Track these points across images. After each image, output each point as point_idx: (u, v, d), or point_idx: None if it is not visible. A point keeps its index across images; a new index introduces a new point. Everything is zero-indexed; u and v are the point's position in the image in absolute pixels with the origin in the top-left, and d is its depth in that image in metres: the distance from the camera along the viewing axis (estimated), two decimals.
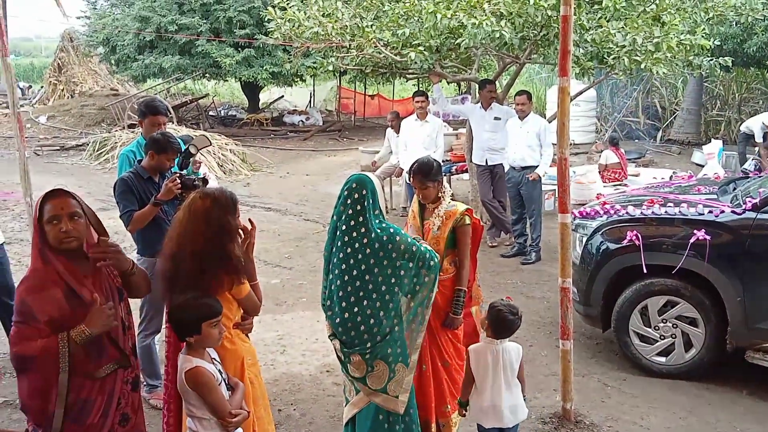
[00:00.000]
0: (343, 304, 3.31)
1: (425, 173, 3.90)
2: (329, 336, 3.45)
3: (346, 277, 3.30)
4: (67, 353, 2.67)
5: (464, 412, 3.67)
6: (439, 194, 3.96)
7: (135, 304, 3.77)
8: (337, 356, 3.46)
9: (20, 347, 2.67)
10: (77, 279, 2.76)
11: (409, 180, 4.38)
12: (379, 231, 3.28)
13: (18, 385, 2.78)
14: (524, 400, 3.62)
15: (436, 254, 3.54)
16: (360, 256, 3.27)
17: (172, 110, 14.27)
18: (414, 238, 3.54)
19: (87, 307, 2.73)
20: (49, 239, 2.75)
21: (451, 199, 4.01)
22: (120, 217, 4.25)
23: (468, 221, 3.91)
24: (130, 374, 2.98)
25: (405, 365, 3.40)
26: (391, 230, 3.32)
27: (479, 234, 4.11)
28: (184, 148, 4.37)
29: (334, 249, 3.37)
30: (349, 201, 3.30)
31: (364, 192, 3.29)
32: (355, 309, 3.29)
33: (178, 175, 4.13)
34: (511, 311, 3.53)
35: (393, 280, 3.32)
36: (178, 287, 2.98)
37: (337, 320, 3.34)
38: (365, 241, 3.27)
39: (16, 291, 2.80)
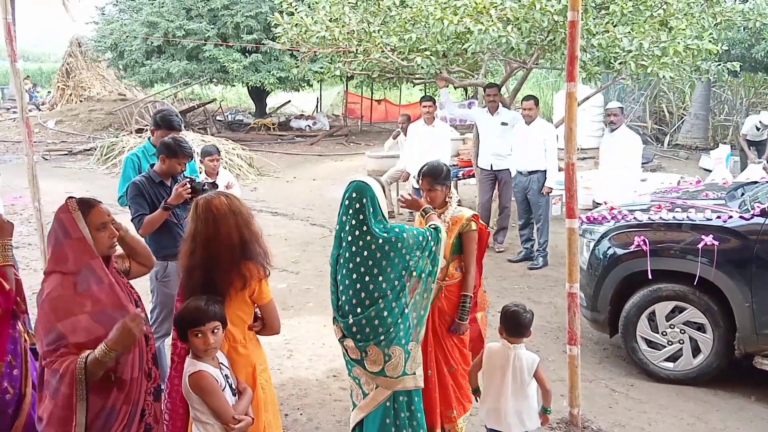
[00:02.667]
0: (359, 309, 3.33)
1: (435, 176, 3.91)
2: (339, 339, 3.46)
3: (359, 285, 3.31)
4: (83, 379, 2.60)
5: (477, 396, 3.70)
6: (446, 199, 3.96)
7: (146, 307, 3.78)
8: (350, 358, 3.45)
9: (57, 364, 2.60)
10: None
11: (418, 182, 4.39)
12: (385, 234, 3.30)
13: (44, 411, 2.68)
14: (547, 412, 3.55)
15: (439, 226, 3.57)
16: (370, 262, 3.28)
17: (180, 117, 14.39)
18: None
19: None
20: (97, 247, 2.78)
21: (458, 205, 4.02)
22: (131, 220, 4.29)
23: (474, 227, 3.91)
24: (152, 384, 2.97)
25: (416, 342, 3.45)
26: (397, 230, 3.35)
27: (485, 240, 4.12)
28: (199, 180, 4.46)
29: (341, 260, 3.38)
30: (350, 211, 3.33)
31: (364, 201, 3.31)
32: (371, 309, 3.31)
33: (188, 180, 4.17)
34: (516, 305, 3.57)
35: (404, 273, 3.35)
36: (192, 293, 3.00)
37: (351, 321, 3.35)
38: (373, 247, 3.28)
39: (40, 321, 2.70)
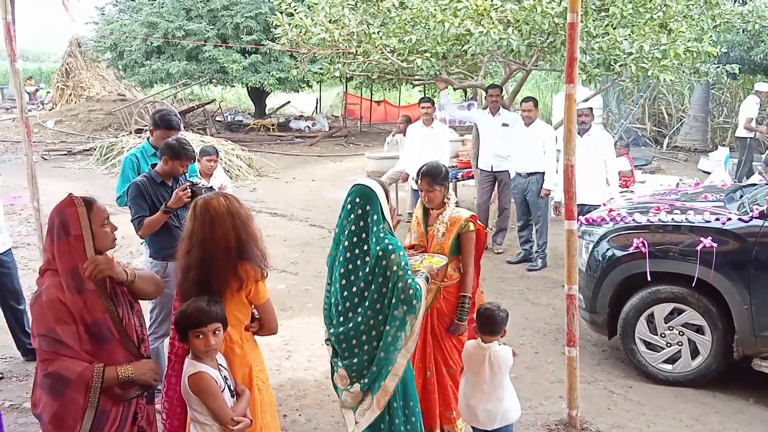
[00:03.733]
0: (342, 318, 3.31)
1: (434, 176, 3.91)
2: (325, 340, 3.46)
3: (345, 293, 3.30)
4: (99, 387, 2.66)
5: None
6: (444, 199, 3.96)
7: (146, 306, 3.78)
8: (330, 361, 3.47)
9: (59, 365, 2.63)
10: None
11: (417, 183, 4.39)
12: (377, 247, 3.22)
13: (42, 407, 2.68)
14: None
15: (421, 293, 3.28)
16: (360, 273, 3.26)
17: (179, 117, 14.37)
18: (411, 265, 3.46)
19: (107, 343, 2.74)
20: (99, 243, 2.78)
21: (456, 206, 4.02)
22: (131, 221, 4.29)
23: (472, 228, 3.91)
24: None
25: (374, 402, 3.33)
26: (390, 246, 3.23)
27: (483, 240, 4.12)
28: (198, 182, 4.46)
29: (336, 262, 3.37)
30: (351, 216, 3.28)
31: (368, 208, 3.25)
32: (351, 324, 3.28)
33: (189, 183, 4.17)
34: (490, 304, 3.58)
35: (385, 294, 3.26)
36: (188, 293, 2.99)
37: (332, 330, 3.35)
38: (366, 258, 3.25)
39: (35, 317, 2.70)
